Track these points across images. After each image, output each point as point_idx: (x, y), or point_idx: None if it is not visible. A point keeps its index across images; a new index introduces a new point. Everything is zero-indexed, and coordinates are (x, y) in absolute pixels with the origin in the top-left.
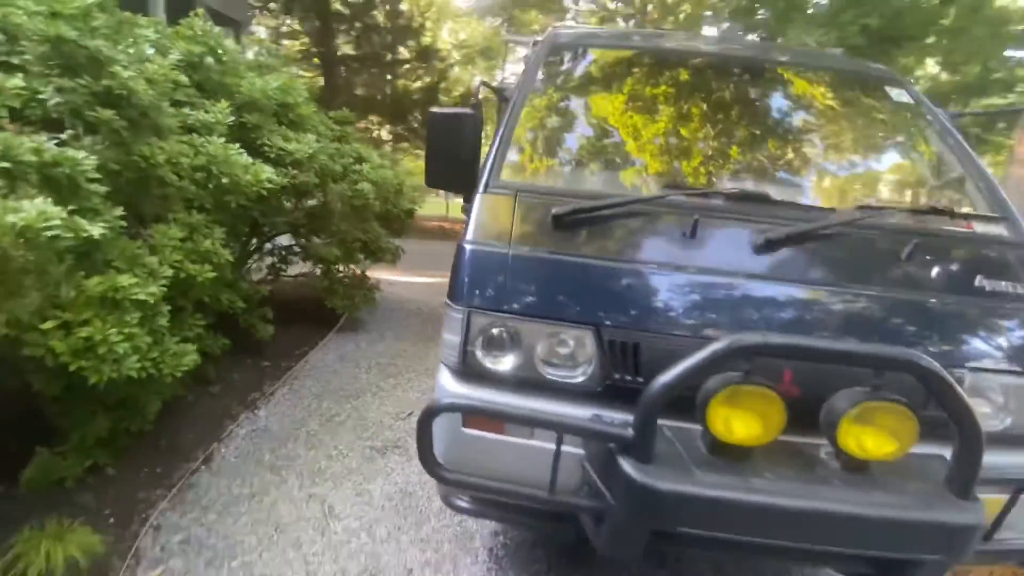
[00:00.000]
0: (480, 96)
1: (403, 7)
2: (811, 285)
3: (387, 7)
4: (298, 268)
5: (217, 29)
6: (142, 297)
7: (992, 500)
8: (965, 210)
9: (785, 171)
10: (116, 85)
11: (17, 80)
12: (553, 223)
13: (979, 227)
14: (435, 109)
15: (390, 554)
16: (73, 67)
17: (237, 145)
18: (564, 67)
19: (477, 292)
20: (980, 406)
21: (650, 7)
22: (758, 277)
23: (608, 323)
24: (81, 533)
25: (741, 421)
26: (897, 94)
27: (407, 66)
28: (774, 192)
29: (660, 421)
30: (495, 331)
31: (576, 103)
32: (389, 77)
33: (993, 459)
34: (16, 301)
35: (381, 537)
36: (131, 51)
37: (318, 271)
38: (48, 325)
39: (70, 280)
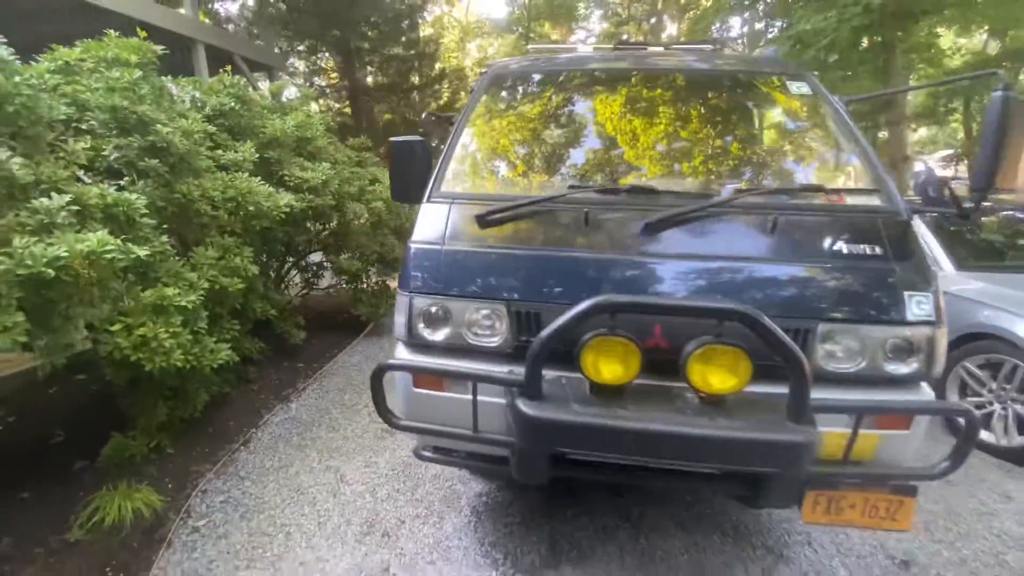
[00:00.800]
0: (431, 124)
1: (423, 33)
2: (678, 259)
3: (403, 38)
4: (328, 281)
5: (241, 80)
6: (183, 304)
7: (866, 435)
8: (840, 185)
9: (678, 165)
10: (159, 139)
11: (84, 143)
12: (478, 223)
13: (852, 199)
14: (393, 139)
15: (388, 510)
16: (126, 128)
17: (258, 178)
18: (498, 95)
19: (418, 281)
20: (834, 351)
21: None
22: (634, 254)
23: (515, 297)
24: (145, 492)
25: (606, 365)
26: (797, 87)
27: (425, 90)
28: (664, 184)
29: (559, 373)
30: (432, 310)
31: (504, 123)
32: (407, 101)
33: (849, 395)
34: (91, 310)
35: (382, 497)
36: (170, 109)
37: (344, 283)
38: (116, 327)
39: (130, 293)
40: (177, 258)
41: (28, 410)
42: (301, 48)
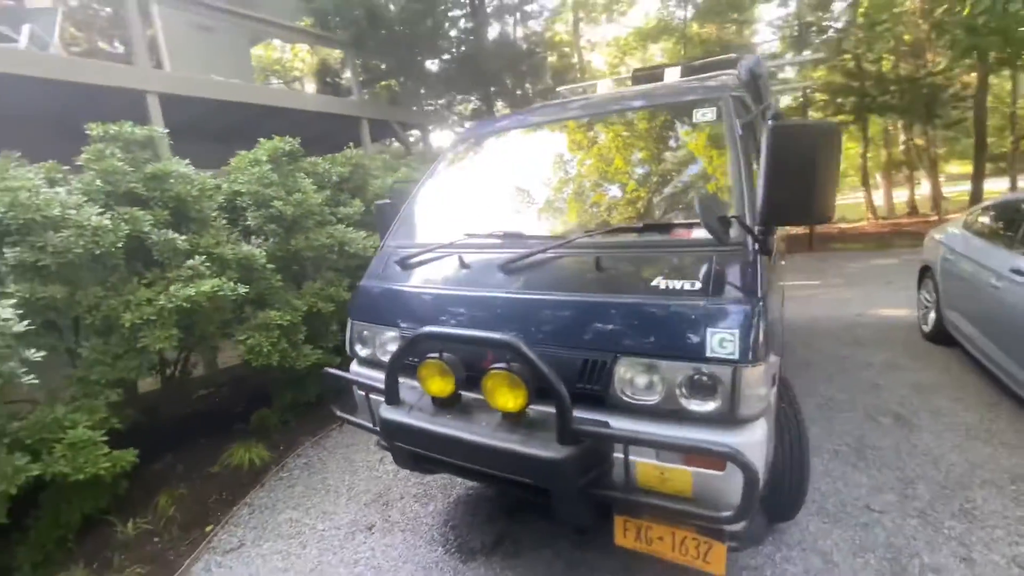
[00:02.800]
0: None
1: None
2: (515, 293)
3: (537, 81)
4: None
5: (359, 151)
6: (281, 322)
7: (680, 470)
8: (684, 220)
9: (557, 210)
10: (275, 211)
11: (222, 220)
12: (399, 266)
13: (699, 233)
14: (377, 202)
15: (398, 487)
16: (257, 204)
17: (352, 228)
18: (456, 156)
19: (355, 309)
20: (635, 383)
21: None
22: (487, 290)
23: (403, 325)
24: (259, 449)
25: (430, 381)
26: (701, 114)
27: None
28: (539, 229)
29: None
30: (362, 332)
31: (446, 180)
32: None
33: (646, 427)
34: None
35: (401, 477)
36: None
37: None
38: (240, 338)
39: (245, 316)
40: (286, 290)
41: (223, 394)
42: (442, 101)
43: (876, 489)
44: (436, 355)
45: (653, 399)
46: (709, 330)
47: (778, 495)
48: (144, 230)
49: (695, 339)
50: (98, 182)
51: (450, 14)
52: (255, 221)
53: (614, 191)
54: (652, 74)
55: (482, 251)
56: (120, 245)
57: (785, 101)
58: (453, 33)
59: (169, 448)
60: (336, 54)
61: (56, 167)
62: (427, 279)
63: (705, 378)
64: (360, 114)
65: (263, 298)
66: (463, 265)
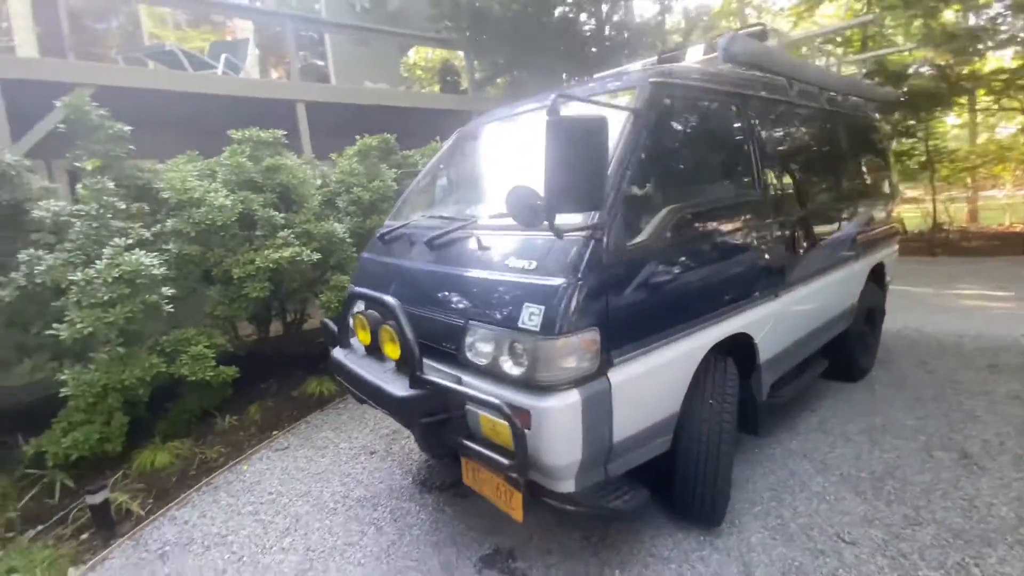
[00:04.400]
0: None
1: None
2: (422, 265)
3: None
4: None
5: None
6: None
7: (503, 424)
8: None
9: (477, 197)
10: (355, 197)
11: (318, 200)
12: (379, 240)
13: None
14: None
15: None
16: (347, 190)
17: None
18: (450, 148)
19: (352, 275)
20: (476, 346)
21: None
22: (410, 261)
23: (359, 289)
24: (328, 383)
25: (358, 333)
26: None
27: None
28: (466, 213)
29: None
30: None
31: (431, 170)
32: None
33: (481, 385)
34: (295, 286)
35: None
36: (374, 174)
37: None
38: (320, 295)
39: (327, 279)
40: None
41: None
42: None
43: (865, 521)
44: (360, 311)
45: (484, 361)
46: (524, 304)
47: (688, 491)
48: (253, 209)
49: (514, 312)
50: (231, 175)
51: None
52: (343, 204)
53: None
54: (674, 56)
55: (423, 230)
56: (234, 219)
57: None
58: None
59: (275, 375)
60: (460, 55)
61: (217, 162)
62: (385, 251)
63: (517, 346)
64: (471, 108)
65: (342, 265)
66: (407, 241)
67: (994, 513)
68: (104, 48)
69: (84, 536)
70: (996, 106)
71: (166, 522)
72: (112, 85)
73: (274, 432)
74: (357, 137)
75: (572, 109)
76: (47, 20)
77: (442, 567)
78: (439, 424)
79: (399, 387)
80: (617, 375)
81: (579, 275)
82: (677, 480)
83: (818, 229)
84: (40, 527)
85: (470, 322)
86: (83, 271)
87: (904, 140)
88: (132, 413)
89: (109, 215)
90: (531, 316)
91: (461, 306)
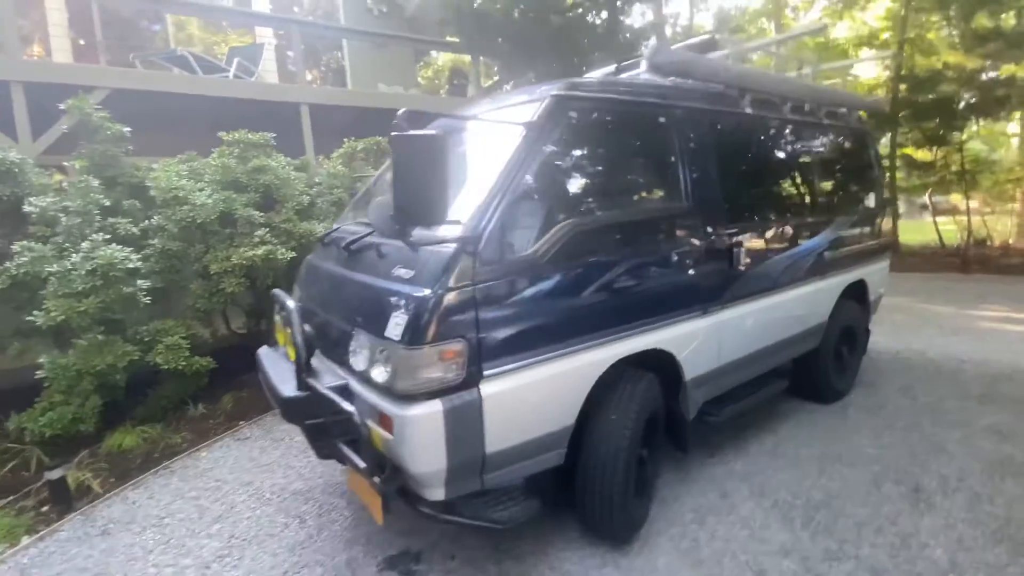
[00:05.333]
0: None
1: None
2: (333, 268)
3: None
4: None
5: None
6: None
7: (376, 429)
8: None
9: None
10: (335, 198)
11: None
12: (320, 243)
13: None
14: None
15: None
16: (330, 190)
17: None
18: None
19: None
20: (361, 354)
21: None
22: (330, 264)
23: (275, 291)
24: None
25: (279, 332)
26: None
27: None
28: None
29: None
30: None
31: (376, 175)
32: None
33: (361, 390)
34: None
35: None
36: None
37: None
38: None
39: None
40: None
41: None
42: None
43: (782, 551)
44: (279, 311)
45: (362, 367)
46: (394, 313)
47: (587, 506)
48: (235, 208)
49: (385, 320)
50: (217, 175)
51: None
52: (325, 205)
53: None
54: (634, 63)
55: (347, 235)
56: (214, 217)
57: None
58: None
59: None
60: (466, 59)
61: (207, 163)
62: (322, 255)
63: (384, 354)
64: None
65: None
66: (334, 245)
67: (926, 555)
68: (140, 52)
69: (44, 508)
70: None
71: (118, 501)
72: (125, 88)
73: (240, 422)
74: (345, 140)
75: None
76: (82, 29)
77: (347, 564)
78: (326, 427)
79: (288, 388)
80: (489, 387)
81: (444, 287)
82: (576, 494)
83: (767, 245)
84: (11, 497)
85: (355, 328)
86: (59, 263)
87: (936, 149)
88: (111, 397)
89: (96, 211)
90: (396, 325)
91: (352, 312)
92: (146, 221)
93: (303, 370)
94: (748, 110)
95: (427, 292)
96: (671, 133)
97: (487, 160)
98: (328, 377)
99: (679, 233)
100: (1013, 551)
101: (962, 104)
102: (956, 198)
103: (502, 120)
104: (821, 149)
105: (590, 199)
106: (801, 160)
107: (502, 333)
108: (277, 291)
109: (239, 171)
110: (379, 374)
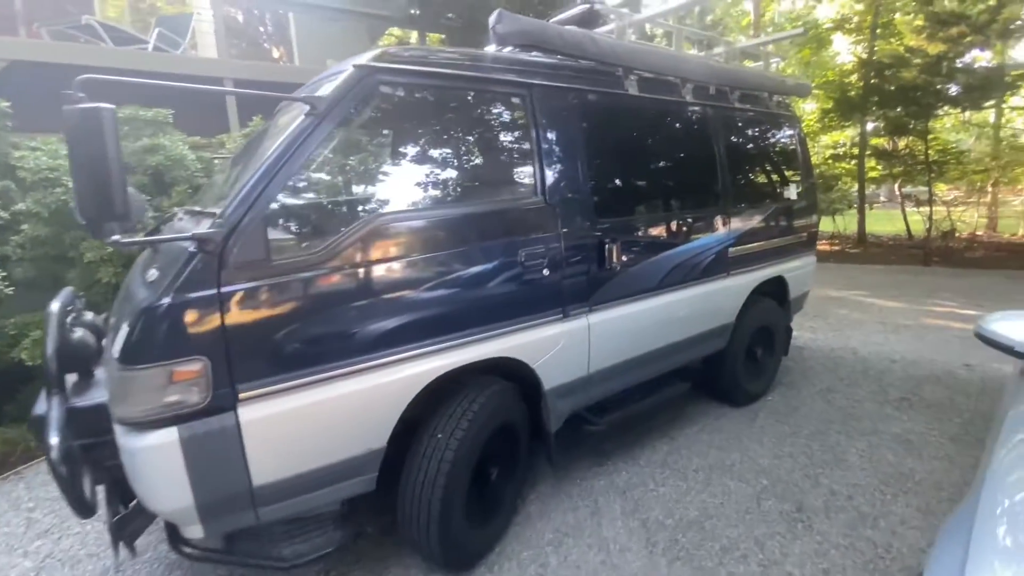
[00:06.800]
0: None
1: None
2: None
3: None
4: None
5: None
6: None
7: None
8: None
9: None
10: None
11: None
12: None
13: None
14: None
15: None
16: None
17: None
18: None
19: None
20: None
21: None
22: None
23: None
24: None
25: None
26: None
27: None
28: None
29: None
30: None
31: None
32: None
33: None
34: None
35: None
36: None
37: None
38: None
39: None
40: None
41: None
42: None
43: None
44: None
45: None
46: (123, 326)
47: (410, 534)
48: None
49: (122, 334)
50: None
51: None
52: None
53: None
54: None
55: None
56: None
57: None
58: None
59: None
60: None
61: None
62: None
63: (110, 374)
64: None
65: None
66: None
67: None
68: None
69: None
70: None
71: None
72: (23, 60)
73: None
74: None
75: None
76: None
77: None
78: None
79: (42, 405)
80: (251, 411)
81: (170, 295)
82: (398, 519)
83: (651, 241)
84: None
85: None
86: None
87: (895, 140)
88: None
89: None
90: (125, 339)
91: (115, 322)
92: (20, 205)
93: (53, 385)
94: (633, 91)
95: (151, 301)
96: (522, 115)
97: (269, 143)
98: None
99: (527, 229)
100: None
101: (927, 92)
102: (940, 189)
103: (285, 95)
104: (730, 137)
105: (405, 189)
106: (702, 149)
107: (268, 348)
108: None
109: (127, 151)
110: (108, 398)
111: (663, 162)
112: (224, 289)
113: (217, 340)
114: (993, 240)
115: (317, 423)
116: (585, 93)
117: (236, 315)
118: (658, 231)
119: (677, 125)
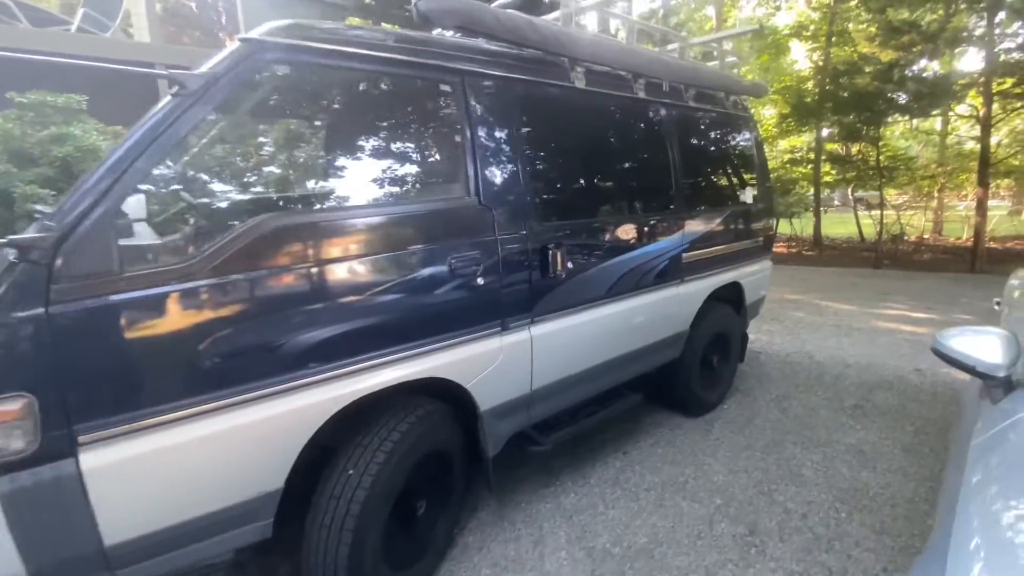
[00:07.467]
0: None
1: None
2: None
3: None
4: None
5: None
6: None
7: None
8: None
9: None
10: None
11: None
12: None
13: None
14: None
15: None
16: None
17: None
18: None
19: None
20: None
21: None
22: None
23: None
24: None
25: None
26: None
27: None
28: None
29: None
30: None
31: None
32: None
33: None
34: None
35: None
36: None
37: None
38: None
39: None
40: None
41: None
42: None
43: None
44: None
45: None
46: None
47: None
48: (12, 185)
49: None
50: None
51: None
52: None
53: None
54: None
55: None
56: None
57: None
58: None
59: None
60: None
61: None
62: None
63: None
64: None
65: None
66: None
67: None
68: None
69: None
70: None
71: None
72: None
73: None
74: None
75: None
76: None
77: None
78: None
79: None
80: (96, 457)
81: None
82: (302, 568)
83: (599, 247)
84: None
85: None
86: None
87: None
88: None
89: None
90: None
91: None
92: None
93: None
94: (580, 84)
95: None
96: (453, 105)
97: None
98: None
99: (458, 232)
100: None
101: (879, 99)
102: (890, 193)
103: (155, 73)
104: (684, 136)
105: (309, 187)
106: (654, 148)
107: (118, 379)
108: None
109: (30, 140)
110: None
111: (612, 162)
112: (54, 308)
113: (46, 371)
114: (939, 243)
115: (189, 466)
116: (526, 84)
117: (72, 340)
118: (607, 236)
119: (628, 122)
